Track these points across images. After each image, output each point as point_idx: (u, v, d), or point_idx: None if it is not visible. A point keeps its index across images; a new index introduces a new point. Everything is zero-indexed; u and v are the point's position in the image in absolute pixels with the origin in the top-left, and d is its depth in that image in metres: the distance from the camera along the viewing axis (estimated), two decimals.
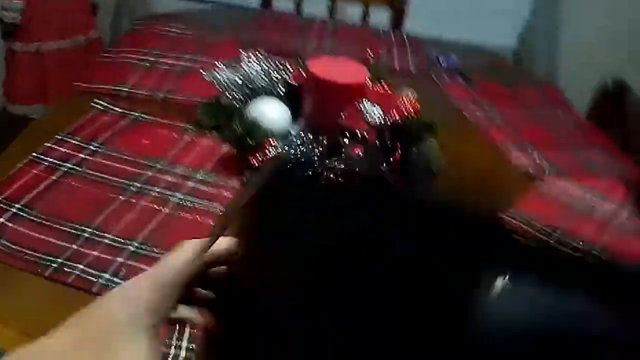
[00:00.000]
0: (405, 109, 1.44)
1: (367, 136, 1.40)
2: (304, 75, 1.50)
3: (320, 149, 1.36)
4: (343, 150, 1.37)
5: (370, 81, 1.52)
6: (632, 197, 1.55)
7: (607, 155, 1.75)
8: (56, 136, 1.43)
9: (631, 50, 2.75)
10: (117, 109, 1.57)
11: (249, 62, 1.54)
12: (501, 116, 1.89)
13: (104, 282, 1.08)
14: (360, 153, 1.37)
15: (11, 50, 3.25)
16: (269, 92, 1.52)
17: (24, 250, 1.12)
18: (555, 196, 1.50)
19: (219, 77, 1.52)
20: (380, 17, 2.83)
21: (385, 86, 1.53)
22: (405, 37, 2.42)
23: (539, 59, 3.66)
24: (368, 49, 1.77)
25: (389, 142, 1.41)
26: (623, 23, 2.91)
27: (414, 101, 1.47)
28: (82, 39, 3.35)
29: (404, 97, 1.48)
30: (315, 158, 1.34)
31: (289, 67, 1.57)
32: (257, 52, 1.57)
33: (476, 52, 2.51)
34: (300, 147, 1.35)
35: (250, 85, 1.52)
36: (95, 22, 3.49)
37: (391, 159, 1.39)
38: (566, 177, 1.60)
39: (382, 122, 1.43)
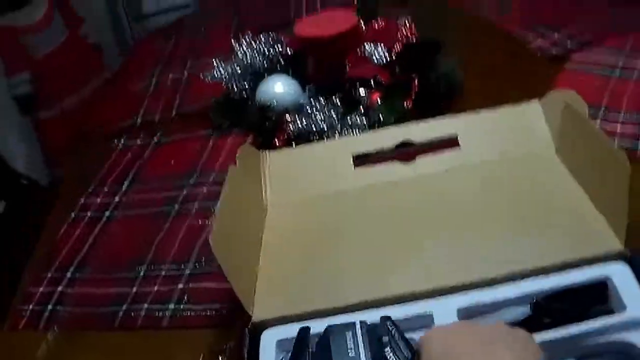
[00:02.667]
0: (406, 36, 1.41)
1: (379, 78, 1.37)
2: (297, 41, 1.47)
3: (339, 109, 1.34)
4: (361, 102, 1.35)
5: (363, 21, 1.49)
6: None
7: (630, 8, 1.67)
8: (88, 189, 1.43)
9: None
10: (136, 141, 1.56)
11: (241, 47, 1.51)
12: (510, 3, 1.82)
13: (172, 313, 1.07)
14: (378, 99, 1.34)
15: (38, 120, 3.28)
16: (271, 69, 1.50)
17: (88, 310, 1.12)
18: (587, 70, 1.44)
19: (219, 74, 1.51)
20: None
21: (380, 20, 1.50)
22: None
23: None
24: None
25: (403, 77, 1.37)
26: None
27: (411, 25, 1.43)
28: (98, 81, 3.36)
29: (401, 25, 1.44)
30: (337, 120, 1.32)
31: (281, 38, 1.55)
32: (246, 36, 1.55)
33: None
34: (318, 114, 1.33)
35: (251, 70, 1.50)
36: (104, 61, 3.50)
37: (411, 93, 1.35)
38: (593, 46, 1.53)
39: (389, 58, 1.40)
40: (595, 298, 0.87)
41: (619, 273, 0.87)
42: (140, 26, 3.56)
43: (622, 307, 0.84)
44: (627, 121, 1.26)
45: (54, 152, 3.31)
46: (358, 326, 0.73)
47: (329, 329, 0.73)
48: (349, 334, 0.71)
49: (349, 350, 0.69)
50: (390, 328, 0.73)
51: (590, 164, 1.00)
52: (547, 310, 0.86)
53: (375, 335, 0.71)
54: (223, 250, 0.90)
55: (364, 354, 0.69)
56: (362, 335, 0.71)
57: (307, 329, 0.79)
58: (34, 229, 1.44)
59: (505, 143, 1.15)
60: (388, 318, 0.75)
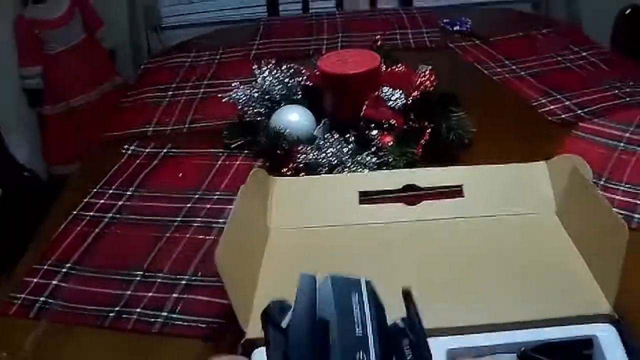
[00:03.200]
0: (424, 85, 1.44)
1: (393, 122, 1.40)
2: (318, 74, 1.50)
3: (350, 146, 1.37)
4: (373, 142, 1.37)
5: (385, 65, 1.52)
6: None
7: (637, 85, 1.71)
8: (93, 190, 1.45)
9: None
10: (146, 150, 1.58)
11: (262, 73, 1.54)
12: (524, 69, 1.86)
13: (163, 320, 1.08)
14: (390, 141, 1.37)
15: (42, 115, 3.30)
16: (288, 99, 1.53)
17: (80, 306, 1.13)
18: (593, 139, 1.47)
19: (236, 96, 1.54)
20: None
21: (401, 66, 1.53)
22: (415, 11, 2.41)
23: (558, 3, 3.62)
24: (377, 34, 1.77)
25: (416, 123, 1.40)
26: None
27: (430, 75, 1.46)
28: (108, 86, 3.39)
29: (420, 73, 1.47)
30: (347, 156, 1.35)
31: (302, 70, 1.58)
32: (268, 63, 1.58)
33: (492, 10, 2.49)
34: (330, 148, 1.36)
35: (268, 96, 1.53)
36: (117, 68, 3.53)
37: (422, 140, 1.38)
38: (601, 116, 1.57)
39: (405, 104, 1.43)
40: (580, 356, 0.90)
41: (605, 334, 0.90)
42: (156, 37, 3.60)
43: None
44: (626, 192, 1.30)
45: (54, 148, 3.33)
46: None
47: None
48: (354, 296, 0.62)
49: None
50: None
51: (589, 228, 1.03)
52: None
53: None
54: (226, 265, 0.92)
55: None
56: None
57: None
58: (28, 220, 1.46)
59: (508, 199, 1.18)
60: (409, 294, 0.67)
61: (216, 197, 1.38)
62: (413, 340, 0.62)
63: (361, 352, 0.57)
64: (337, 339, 0.57)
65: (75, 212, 1.38)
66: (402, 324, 0.63)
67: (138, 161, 1.55)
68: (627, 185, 1.32)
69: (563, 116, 1.59)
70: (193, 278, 1.17)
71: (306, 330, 0.59)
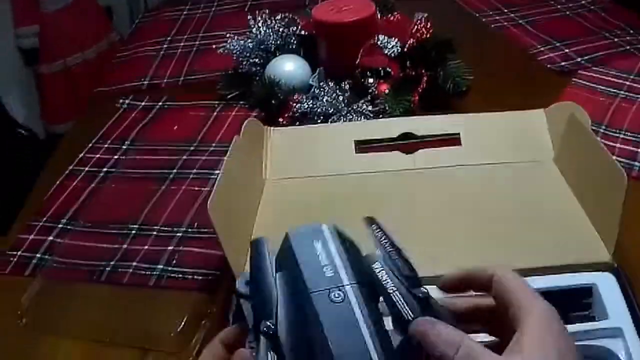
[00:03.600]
0: (420, 33, 1.42)
1: (389, 70, 1.39)
2: (313, 23, 1.49)
3: (347, 94, 1.36)
4: (369, 90, 1.36)
5: (380, 13, 1.50)
6: None
7: (639, 34, 1.69)
8: (88, 145, 1.44)
9: None
10: (141, 103, 1.57)
11: (257, 23, 1.53)
12: (523, 17, 1.84)
13: (159, 273, 1.08)
14: (386, 89, 1.36)
15: (39, 74, 3.28)
16: (283, 49, 1.52)
17: (76, 261, 1.13)
18: (593, 87, 1.46)
19: (232, 47, 1.52)
20: None
21: (396, 14, 1.52)
22: None
23: None
24: None
25: (412, 71, 1.39)
26: None
27: (427, 23, 1.45)
28: (104, 44, 3.36)
29: (417, 21, 1.46)
30: (343, 105, 1.34)
31: (297, 19, 1.57)
32: (263, 13, 1.57)
33: None
34: (325, 97, 1.35)
35: (263, 47, 1.51)
36: (113, 24, 3.50)
37: (419, 88, 1.37)
38: (601, 64, 1.55)
39: (401, 51, 1.41)
40: (579, 304, 0.90)
41: (604, 282, 0.89)
42: None
43: (604, 316, 0.86)
44: (626, 140, 1.28)
45: (52, 106, 3.32)
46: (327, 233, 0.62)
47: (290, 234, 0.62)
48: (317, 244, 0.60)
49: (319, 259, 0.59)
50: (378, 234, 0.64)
51: (588, 176, 1.02)
52: None
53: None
54: (219, 216, 0.91)
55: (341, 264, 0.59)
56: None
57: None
58: (27, 179, 1.45)
59: (506, 147, 1.18)
60: (372, 221, 0.66)
61: (212, 148, 1.37)
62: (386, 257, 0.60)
63: (336, 291, 0.56)
64: (308, 287, 0.56)
65: (70, 168, 1.38)
66: (377, 252, 0.62)
67: (133, 115, 1.53)
68: (627, 134, 1.30)
69: (562, 64, 1.57)
70: (189, 230, 1.16)
71: (267, 292, 0.58)
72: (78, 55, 3.28)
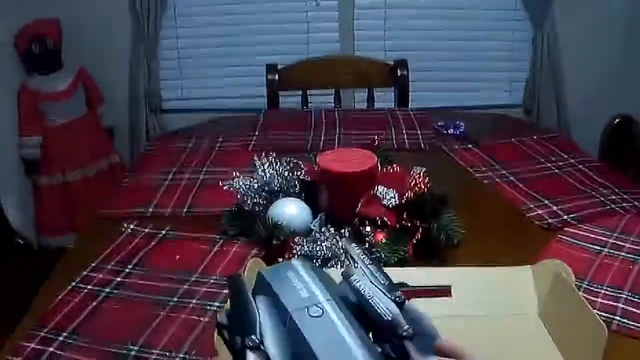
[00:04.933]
0: (417, 186, 1.50)
1: (386, 220, 1.46)
2: (317, 170, 1.56)
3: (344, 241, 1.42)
4: (367, 238, 1.43)
5: (380, 165, 1.58)
6: None
7: (623, 193, 1.79)
8: (92, 264, 1.49)
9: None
10: (145, 230, 1.63)
11: (263, 165, 1.60)
12: (514, 173, 1.94)
13: None
14: (383, 239, 1.43)
15: (37, 186, 3.34)
16: (286, 191, 1.59)
17: None
18: (578, 244, 1.54)
19: (236, 185, 1.59)
20: (386, 97, 2.90)
21: (395, 167, 1.60)
22: (411, 113, 2.48)
23: (548, 110, 3.72)
24: (375, 135, 1.84)
25: (408, 222, 1.46)
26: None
27: (425, 177, 1.52)
28: (104, 163, 3.43)
29: (415, 174, 1.54)
30: (342, 251, 1.40)
31: (301, 164, 1.64)
32: (268, 155, 1.64)
33: (485, 115, 2.56)
34: (325, 242, 1.41)
35: (267, 188, 1.58)
36: (114, 146, 3.58)
37: (414, 239, 1.44)
38: (586, 222, 1.64)
39: (398, 203, 1.49)
40: None
41: None
42: (155, 119, 3.65)
43: None
44: (607, 295, 1.35)
45: (47, 219, 3.36)
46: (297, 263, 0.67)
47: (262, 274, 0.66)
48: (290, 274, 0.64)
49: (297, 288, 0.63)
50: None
51: (571, 329, 1.10)
52: None
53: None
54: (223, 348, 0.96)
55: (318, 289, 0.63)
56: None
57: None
58: (20, 288, 1.49)
59: (493, 301, 1.25)
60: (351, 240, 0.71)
61: (212, 281, 1.43)
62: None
63: (314, 307, 0.61)
64: (287, 308, 0.61)
65: (74, 284, 1.42)
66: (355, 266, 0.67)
67: (137, 240, 1.59)
68: (608, 289, 1.37)
69: (550, 220, 1.66)
70: (187, 358, 1.21)
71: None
72: (78, 171, 3.35)
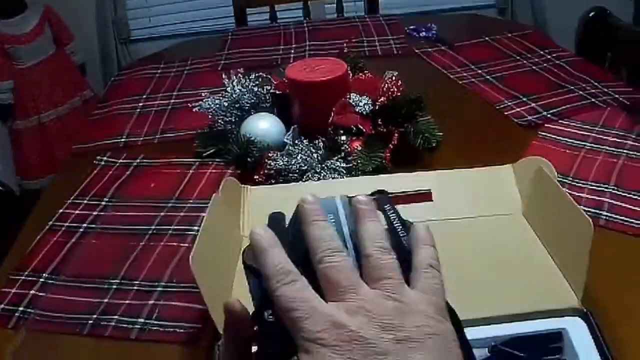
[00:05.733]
0: (390, 91, 1.47)
1: (361, 127, 1.43)
2: (286, 82, 1.53)
3: (320, 152, 1.39)
4: (342, 147, 1.40)
5: (351, 72, 1.55)
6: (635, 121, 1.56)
7: (603, 86, 1.75)
8: (67, 201, 1.46)
9: None
10: (118, 160, 1.60)
11: (232, 83, 1.57)
12: (490, 72, 1.90)
13: (140, 327, 1.11)
14: (358, 146, 1.40)
15: (14, 130, 3.30)
16: (258, 107, 1.56)
17: (59, 314, 1.15)
18: (559, 140, 1.51)
19: (207, 106, 1.56)
20: (357, 7, 2.86)
21: (367, 72, 1.56)
22: (382, 19, 2.44)
23: (522, 8, 3.67)
24: (345, 42, 1.81)
25: (383, 129, 1.43)
26: None
27: (397, 81, 1.49)
28: (78, 100, 3.39)
29: (387, 79, 1.50)
30: (317, 162, 1.37)
31: (270, 78, 1.61)
32: (237, 72, 1.61)
33: (457, 16, 2.52)
34: (299, 154, 1.38)
35: (238, 105, 1.55)
36: (87, 81, 3.53)
37: (390, 145, 1.41)
38: (567, 117, 1.61)
39: (372, 109, 1.46)
40: (550, 349, 0.93)
41: (574, 327, 0.93)
42: (125, 50, 3.60)
43: (575, 359, 0.90)
44: (592, 190, 1.33)
45: (26, 162, 3.33)
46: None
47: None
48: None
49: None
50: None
51: (556, 226, 1.07)
52: (504, 355, 0.92)
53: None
54: (201, 271, 0.94)
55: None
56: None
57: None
58: (5, 234, 1.46)
59: (476, 202, 1.22)
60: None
61: (189, 205, 1.41)
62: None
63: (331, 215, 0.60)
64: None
65: (50, 223, 1.40)
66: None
67: (111, 172, 1.56)
68: (593, 184, 1.35)
69: (529, 118, 1.63)
70: (169, 285, 1.19)
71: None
72: (52, 112, 3.31)
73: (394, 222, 0.63)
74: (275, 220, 0.63)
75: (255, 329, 0.58)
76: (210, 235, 1.04)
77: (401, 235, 0.61)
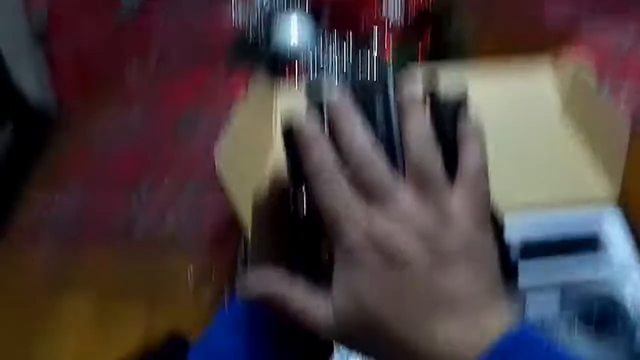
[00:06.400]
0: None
1: (394, 29, 1.39)
2: None
3: (351, 53, 1.36)
4: (374, 45, 1.37)
5: None
6: None
7: None
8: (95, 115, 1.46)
9: None
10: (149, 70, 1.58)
11: None
12: None
13: (169, 227, 1.10)
14: (391, 43, 1.37)
15: (50, 56, 3.28)
16: (287, 9, 1.52)
17: (87, 222, 1.16)
18: (599, 43, 1.46)
19: (236, 11, 1.53)
20: None
21: None
22: None
23: None
24: None
25: (416, 31, 1.39)
26: None
27: None
28: (112, 25, 3.36)
29: None
30: (348, 59, 1.34)
31: None
32: None
33: None
34: (330, 55, 1.35)
35: (267, 9, 1.51)
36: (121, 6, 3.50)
37: (424, 41, 1.37)
38: (608, 19, 1.55)
39: (405, 11, 1.42)
40: (584, 240, 0.90)
41: (609, 220, 0.90)
42: None
43: (610, 254, 0.87)
44: (630, 96, 1.29)
45: (63, 87, 3.32)
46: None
47: None
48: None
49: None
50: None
51: (594, 125, 1.04)
52: (537, 241, 0.90)
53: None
54: (227, 168, 0.92)
55: None
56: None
57: None
58: (38, 153, 1.46)
59: (512, 99, 1.19)
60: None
61: (218, 109, 1.37)
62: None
63: None
64: None
65: (79, 137, 1.38)
66: None
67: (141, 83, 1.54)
68: (631, 90, 1.31)
69: (568, 17, 1.57)
70: (198, 186, 1.17)
71: None
72: (87, 36, 3.28)
73: (441, 111, 0.56)
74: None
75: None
76: (238, 137, 1.02)
77: (447, 126, 0.55)
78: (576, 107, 1.12)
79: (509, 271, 0.53)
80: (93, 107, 1.50)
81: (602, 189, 0.96)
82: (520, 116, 1.16)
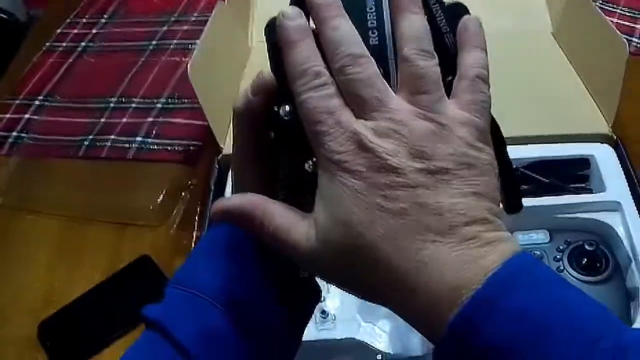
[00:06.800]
0: None
1: None
2: None
3: None
4: None
5: None
6: None
7: None
8: (66, 21, 1.37)
9: None
10: None
11: None
12: None
13: (138, 145, 1.04)
14: None
15: None
16: None
17: (53, 137, 1.09)
18: None
19: None
20: None
21: None
22: None
23: None
24: None
25: None
26: None
27: None
28: None
29: None
30: None
31: None
32: None
33: None
34: None
35: None
36: None
37: None
38: None
39: None
40: (576, 175, 0.86)
41: (602, 154, 0.87)
42: None
43: (602, 188, 0.84)
44: (623, 16, 1.23)
45: None
46: None
47: None
48: None
49: None
50: None
51: (588, 48, 0.98)
52: (526, 179, 0.85)
53: None
54: (201, 80, 0.87)
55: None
56: None
57: None
58: (5, 61, 1.39)
59: (503, 18, 1.13)
60: None
61: (193, 18, 1.31)
62: None
63: None
64: None
65: (47, 44, 1.31)
66: None
67: None
68: (624, 9, 1.24)
69: None
70: (169, 101, 1.11)
71: None
72: None
73: (437, 16, 0.50)
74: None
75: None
76: (212, 44, 0.95)
77: (444, 31, 0.48)
78: (569, 25, 1.06)
79: (510, 188, 0.49)
80: (62, 18, 1.40)
81: (595, 122, 0.92)
82: (510, 34, 1.10)
